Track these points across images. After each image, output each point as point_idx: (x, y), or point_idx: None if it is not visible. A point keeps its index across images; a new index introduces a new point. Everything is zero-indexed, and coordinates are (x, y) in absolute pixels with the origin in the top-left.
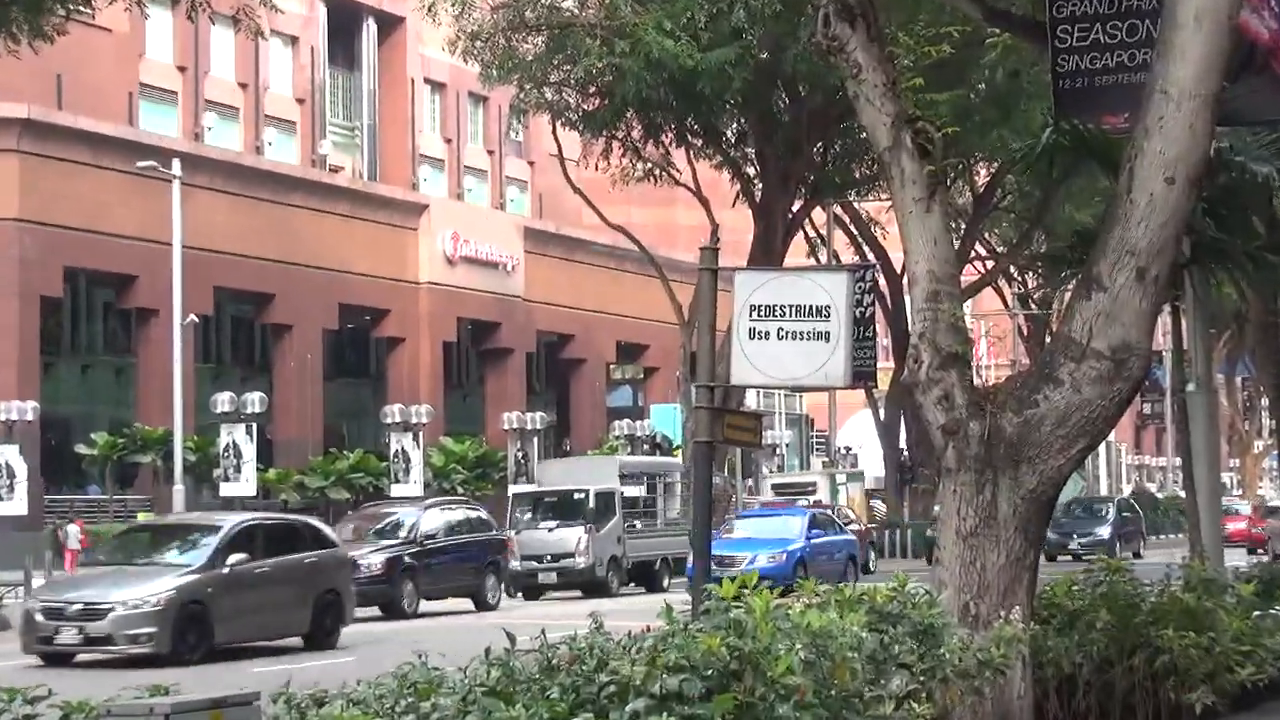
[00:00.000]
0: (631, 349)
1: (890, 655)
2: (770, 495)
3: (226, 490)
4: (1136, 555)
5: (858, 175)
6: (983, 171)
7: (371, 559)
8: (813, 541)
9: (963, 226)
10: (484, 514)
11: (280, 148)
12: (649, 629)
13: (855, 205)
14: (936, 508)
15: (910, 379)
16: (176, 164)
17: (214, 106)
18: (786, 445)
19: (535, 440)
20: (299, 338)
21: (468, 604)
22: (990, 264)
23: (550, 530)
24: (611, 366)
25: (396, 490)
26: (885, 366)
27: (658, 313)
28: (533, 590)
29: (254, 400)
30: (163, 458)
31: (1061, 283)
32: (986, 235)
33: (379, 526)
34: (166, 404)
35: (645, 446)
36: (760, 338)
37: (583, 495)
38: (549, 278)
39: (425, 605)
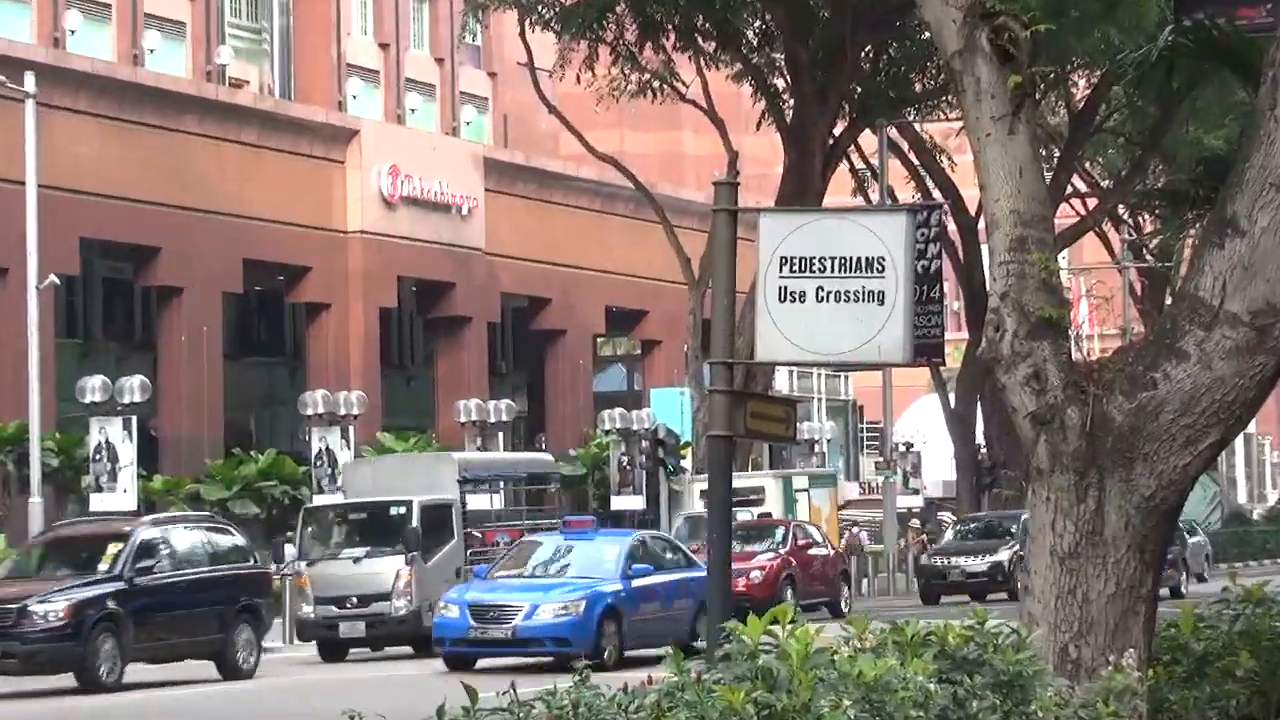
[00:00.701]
0: (625, 317)
1: (967, 713)
2: (699, 505)
3: (99, 502)
4: (1175, 593)
5: (919, 88)
6: (1082, 82)
7: (50, 604)
8: (634, 583)
9: (1056, 154)
10: (238, 538)
11: (166, 56)
12: (650, 681)
13: (915, 127)
14: (1024, 516)
15: (989, 353)
16: (30, 78)
17: (80, 3)
18: (828, 441)
19: (500, 436)
20: (192, 304)
21: (211, 669)
22: (1092, 203)
23: (356, 561)
24: (599, 340)
25: (321, 501)
26: (956, 338)
27: (659, 269)
28: (333, 647)
29: (133, 386)
30: (16, 461)
31: (1185, 226)
32: (1087, 165)
33: (71, 556)
34: (20, 391)
35: (644, 444)
36: (794, 300)
37: (403, 510)
38: (517, 224)
39: (145, 671)
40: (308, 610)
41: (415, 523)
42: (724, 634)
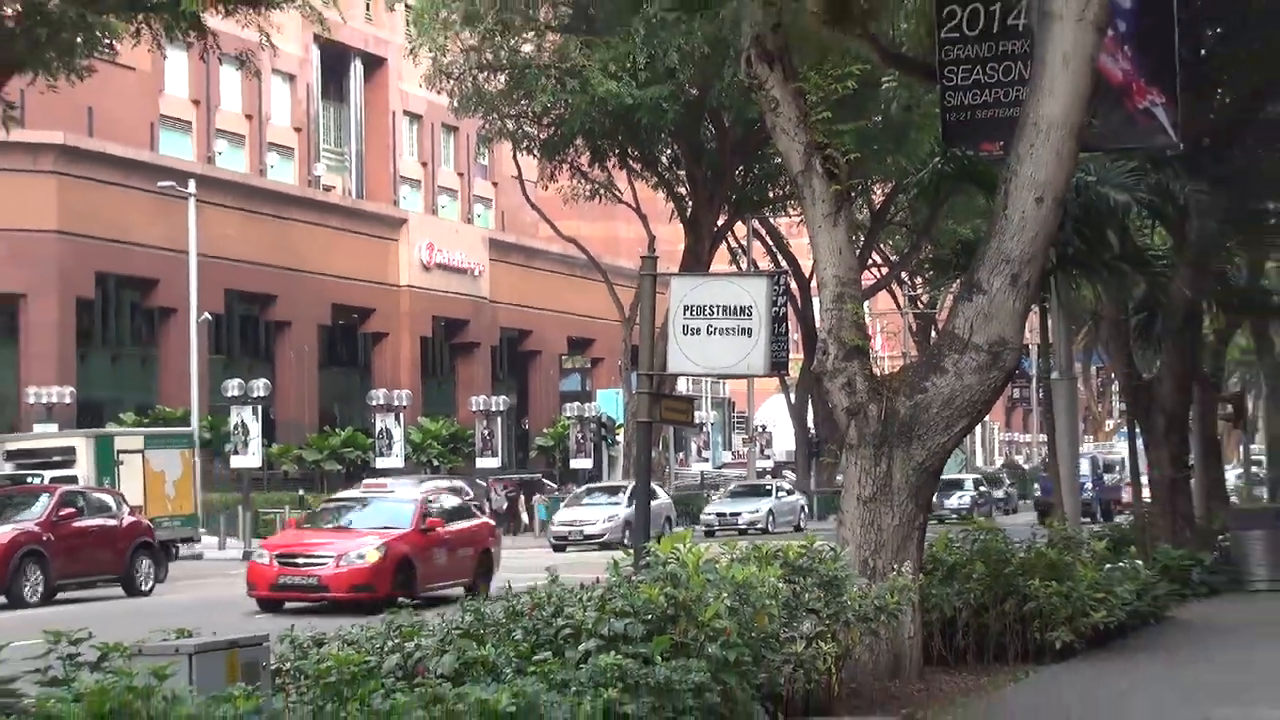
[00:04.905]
0: (580, 342)
1: (801, 603)
2: (4, 465)
3: (236, 462)
4: None
5: (773, 195)
6: (879, 191)
7: None
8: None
9: (862, 239)
10: None
11: (280, 170)
12: (599, 581)
13: (771, 220)
14: (840, 477)
15: (819, 368)
16: (192, 184)
17: (224, 135)
18: (711, 425)
19: (499, 420)
20: (297, 332)
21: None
22: (885, 270)
23: None
24: (563, 357)
25: (381, 463)
26: (796, 358)
27: (603, 311)
28: None
29: (259, 386)
30: None
31: (946, 284)
32: (882, 245)
33: None
34: (184, 389)
35: (592, 426)
36: (693, 333)
37: None
38: (510, 282)
39: None
40: None
41: None
42: (645, 551)
